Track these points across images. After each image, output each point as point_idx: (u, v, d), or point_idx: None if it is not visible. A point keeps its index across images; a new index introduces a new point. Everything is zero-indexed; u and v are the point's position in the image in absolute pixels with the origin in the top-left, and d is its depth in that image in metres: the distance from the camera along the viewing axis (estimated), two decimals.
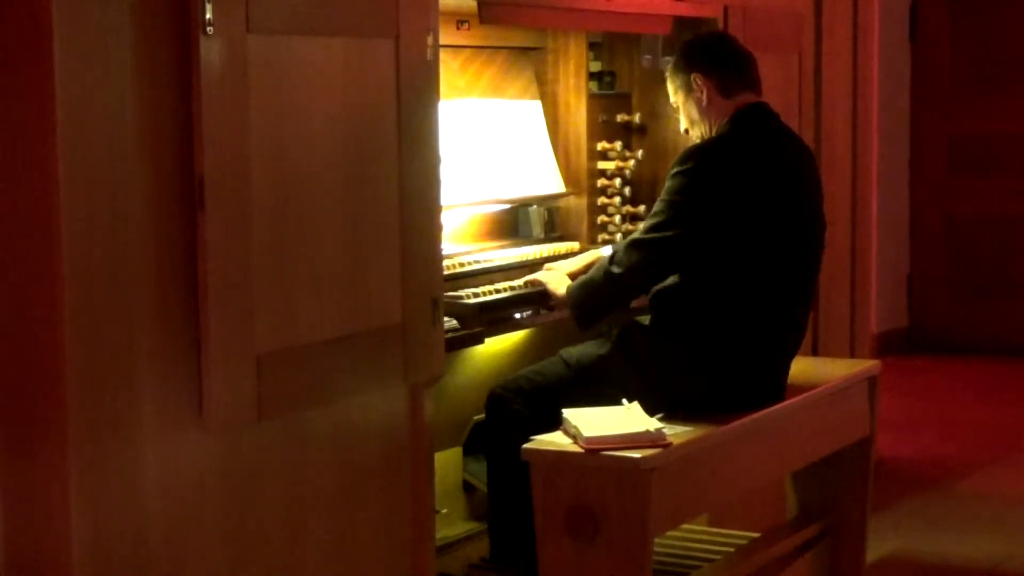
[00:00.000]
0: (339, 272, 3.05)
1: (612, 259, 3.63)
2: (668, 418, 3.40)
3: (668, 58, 4.07)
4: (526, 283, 3.80)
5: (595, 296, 3.66)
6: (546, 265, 3.90)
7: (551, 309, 3.80)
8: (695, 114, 3.79)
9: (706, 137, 3.76)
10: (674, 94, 3.84)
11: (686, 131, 3.85)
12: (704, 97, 3.75)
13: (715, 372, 3.59)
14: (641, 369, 3.60)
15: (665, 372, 3.59)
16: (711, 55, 3.80)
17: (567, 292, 3.71)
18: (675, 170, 3.61)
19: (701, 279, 3.61)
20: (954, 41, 8.35)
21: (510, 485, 3.56)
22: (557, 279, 3.79)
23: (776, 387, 3.71)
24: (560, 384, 3.65)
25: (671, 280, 3.65)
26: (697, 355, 3.59)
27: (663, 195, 3.61)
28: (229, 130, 2.77)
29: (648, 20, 4.20)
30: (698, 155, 3.63)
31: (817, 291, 5.14)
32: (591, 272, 3.69)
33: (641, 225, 3.69)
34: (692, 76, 3.77)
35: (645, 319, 3.71)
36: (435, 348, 3.30)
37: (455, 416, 3.89)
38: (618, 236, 4.34)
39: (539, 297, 3.77)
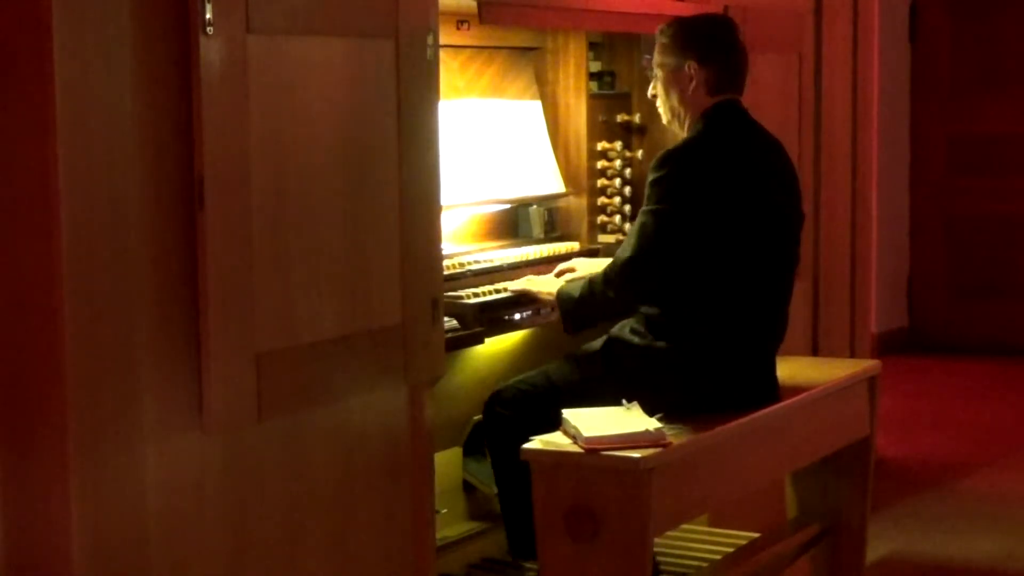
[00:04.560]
0: (339, 272, 3.05)
1: (607, 281, 3.57)
2: (668, 418, 3.39)
3: None
4: (514, 292, 3.75)
5: (589, 313, 3.64)
6: (527, 277, 3.85)
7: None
8: (675, 102, 3.68)
9: (680, 131, 3.70)
10: (659, 71, 3.70)
11: (668, 123, 3.75)
12: (691, 87, 3.65)
13: (703, 376, 3.57)
14: (628, 381, 3.56)
15: (653, 381, 3.56)
16: (715, 47, 3.68)
17: (558, 297, 3.68)
18: (652, 177, 3.55)
19: (684, 283, 3.56)
20: (954, 41, 8.35)
21: (512, 485, 3.56)
22: (543, 281, 3.78)
23: (768, 385, 3.70)
24: (557, 391, 3.64)
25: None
26: (684, 361, 3.56)
27: (647, 205, 3.55)
28: (229, 130, 2.77)
29: (648, 20, 4.19)
30: (672, 160, 3.55)
31: (816, 291, 5.19)
32: (585, 288, 3.62)
33: (628, 237, 3.61)
34: (687, 63, 3.65)
35: (627, 327, 3.66)
36: (435, 348, 3.30)
37: (455, 416, 3.89)
38: (617, 236, 4.34)
39: (531, 304, 3.75)
